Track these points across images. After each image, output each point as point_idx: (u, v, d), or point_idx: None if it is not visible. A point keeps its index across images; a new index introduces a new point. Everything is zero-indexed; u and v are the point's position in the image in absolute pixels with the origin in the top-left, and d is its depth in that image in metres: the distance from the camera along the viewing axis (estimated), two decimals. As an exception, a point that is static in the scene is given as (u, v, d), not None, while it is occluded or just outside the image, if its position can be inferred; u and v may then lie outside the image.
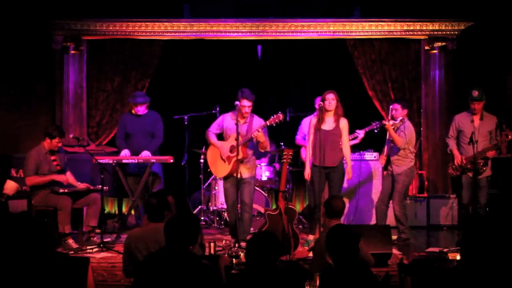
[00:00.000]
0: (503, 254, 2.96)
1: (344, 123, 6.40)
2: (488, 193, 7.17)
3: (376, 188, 7.57)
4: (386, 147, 6.87)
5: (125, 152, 6.85)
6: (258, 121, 6.25)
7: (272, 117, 6.10)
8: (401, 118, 6.69)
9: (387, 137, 6.81)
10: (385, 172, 6.84)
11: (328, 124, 6.33)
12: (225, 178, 6.37)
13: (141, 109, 7.06)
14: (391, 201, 6.75)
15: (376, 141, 7.47)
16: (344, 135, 6.39)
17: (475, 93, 6.56)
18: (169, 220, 3.44)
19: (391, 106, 6.87)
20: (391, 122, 6.62)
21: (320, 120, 6.32)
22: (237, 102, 6.21)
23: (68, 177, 6.53)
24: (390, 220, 7.21)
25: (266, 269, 3.20)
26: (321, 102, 6.32)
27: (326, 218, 4.98)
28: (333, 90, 6.40)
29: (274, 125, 6.15)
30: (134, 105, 7.10)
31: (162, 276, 3.22)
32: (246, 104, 6.21)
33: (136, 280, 3.40)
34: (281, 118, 6.08)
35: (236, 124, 6.09)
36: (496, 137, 6.42)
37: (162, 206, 4.24)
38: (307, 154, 6.46)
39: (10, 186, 6.35)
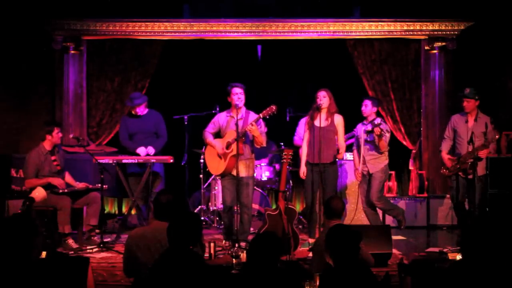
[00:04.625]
0: (503, 253, 2.97)
1: (339, 120, 6.41)
2: (488, 192, 7.19)
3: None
4: (360, 155, 6.74)
5: (141, 150, 6.84)
6: (253, 117, 6.23)
7: (265, 109, 6.10)
8: (381, 119, 6.67)
9: (361, 142, 6.70)
10: (359, 176, 6.72)
11: (322, 121, 6.32)
12: (222, 176, 6.36)
13: (140, 110, 7.05)
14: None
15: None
16: (339, 131, 6.42)
17: (467, 90, 6.51)
18: (172, 220, 3.44)
19: (364, 102, 6.72)
20: (383, 126, 6.54)
21: (313, 118, 6.34)
22: (230, 98, 6.24)
23: (67, 178, 6.53)
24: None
25: (267, 269, 3.21)
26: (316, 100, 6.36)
27: (325, 219, 4.97)
28: (325, 88, 6.43)
29: (267, 117, 6.13)
30: (132, 107, 7.08)
31: (165, 276, 3.22)
32: (237, 91, 6.18)
33: (137, 281, 3.40)
34: (273, 110, 6.07)
35: (236, 124, 6.09)
36: (485, 136, 6.39)
37: (174, 205, 4.19)
38: (302, 153, 6.49)
39: (40, 193, 6.19)
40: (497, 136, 6.39)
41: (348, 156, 7.80)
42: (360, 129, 6.75)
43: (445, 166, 6.60)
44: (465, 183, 6.44)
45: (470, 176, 6.32)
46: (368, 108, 6.66)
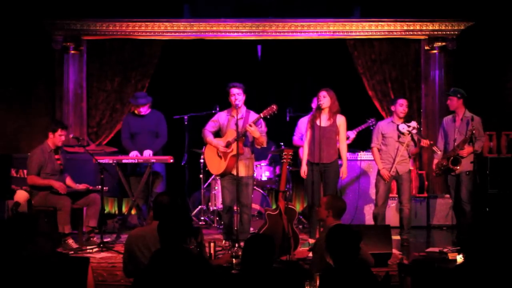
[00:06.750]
0: (503, 254, 2.97)
1: (341, 120, 6.38)
2: (488, 192, 7.20)
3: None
4: (381, 154, 6.70)
5: (134, 154, 6.86)
6: (253, 116, 6.21)
7: (265, 109, 6.09)
8: (416, 122, 6.61)
9: (388, 142, 6.64)
10: (387, 176, 6.54)
11: (324, 121, 6.31)
12: (222, 176, 6.35)
13: (144, 110, 7.08)
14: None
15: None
16: (341, 132, 6.39)
17: (451, 89, 6.70)
18: (162, 220, 3.46)
19: (400, 101, 6.59)
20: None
21: (314, 117, 6.32)
22: (229, 99, 6.23)
23: (68, 181, 6.53)
24: (389, 220, 7.21)
25: (261, 270, 3.21)
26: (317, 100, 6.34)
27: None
28: (327, 87, 6.41)
29: (268, 116, 6.11)
30: (136, 106, 7.11)
31: (161, 274, 3.22)
32: (235, 92, 6.15)
33: (136, 282, 3.40)
34: (274, 110, 6.05)
35: (236, 124, 6.09)
36: (465, 135, 6.42)
37: (173, 206, 4.19)
38: (303, 152, 6.47)
39: (21, 195, 6.37)
40: (475, 132, 6.30)
41: (349, 155, 7.80)
42: (390, 128, 6.60)
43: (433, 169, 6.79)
44: (454, 180, 6.57)
45: (457, 172, 6.49)
46: (407, 109, 6.67)
